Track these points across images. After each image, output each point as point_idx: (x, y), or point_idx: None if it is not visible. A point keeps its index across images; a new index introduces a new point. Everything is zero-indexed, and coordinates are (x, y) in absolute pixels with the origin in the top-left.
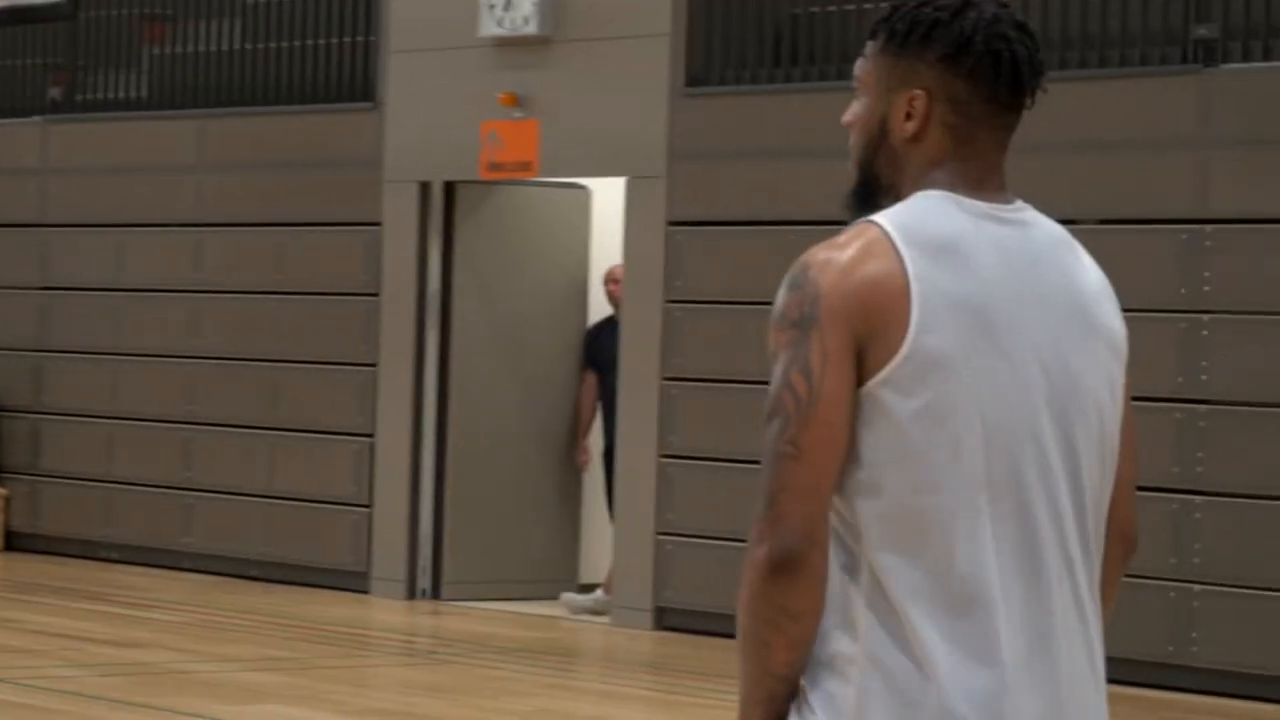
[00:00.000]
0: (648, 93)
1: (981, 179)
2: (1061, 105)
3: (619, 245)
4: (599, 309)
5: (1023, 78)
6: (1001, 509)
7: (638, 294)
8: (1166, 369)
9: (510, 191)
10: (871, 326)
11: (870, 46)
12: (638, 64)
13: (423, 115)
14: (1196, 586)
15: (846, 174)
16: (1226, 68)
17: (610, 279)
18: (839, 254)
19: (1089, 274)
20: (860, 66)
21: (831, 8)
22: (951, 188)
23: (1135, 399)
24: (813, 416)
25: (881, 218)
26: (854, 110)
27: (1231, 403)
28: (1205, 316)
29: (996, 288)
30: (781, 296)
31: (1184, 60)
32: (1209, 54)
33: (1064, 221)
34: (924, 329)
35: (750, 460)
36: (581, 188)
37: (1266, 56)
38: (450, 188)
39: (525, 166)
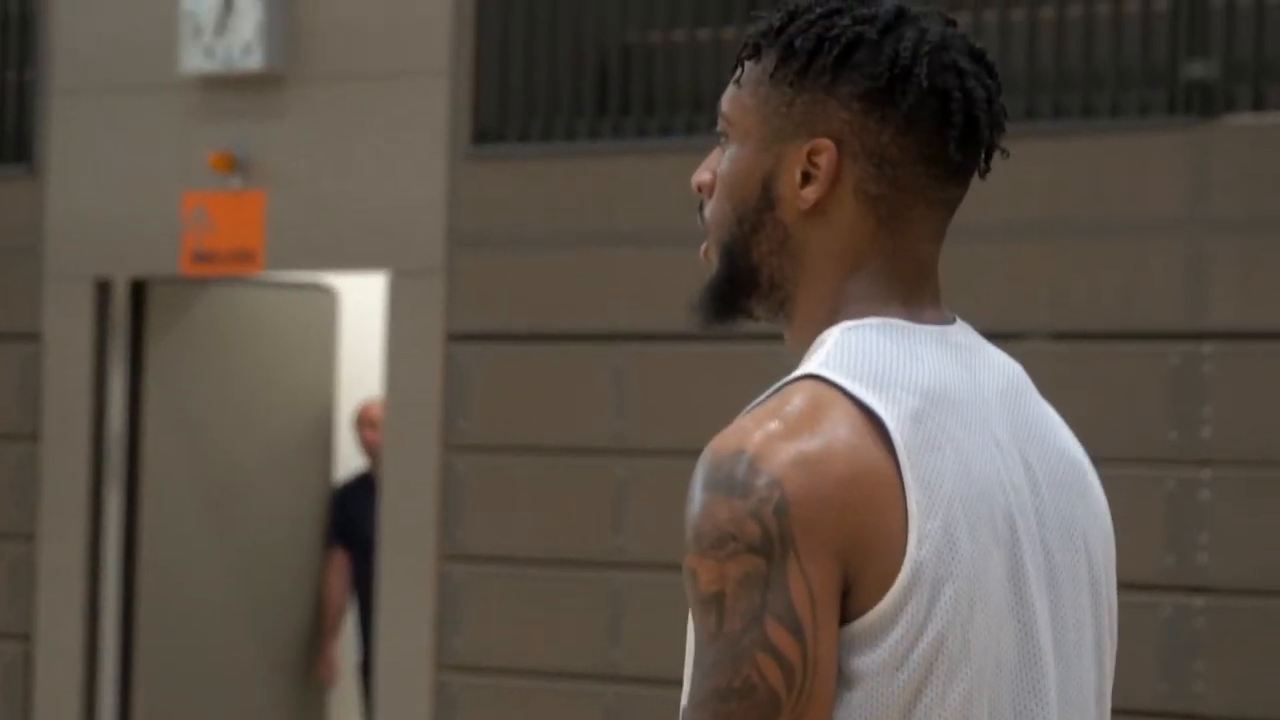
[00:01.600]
0: (418, 153)
1: (916, 286)
2: (996, 170)
3: (378, 369)
4: (350, 461)
5: (980, 130)
6: None
7: (404, 439)
8: (1151, 546)
9: (225, 293)
10: (860, 546)
11: (750, 70)
12: (405, 112)
13: (100, 183)
14: None
15: (702, 258)
16: (1230, 119)
17: (364, 421)
18: (796, 433)
19: (1066, 436)
20: (730, 100)
21: (678, 35)
22: (883, 304)
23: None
24: (813, 697)
25: (833, 372)
26: (715, 164)
27: (1237, 591)
28: (1204, 471)
29: (1004, 470)
30: (709, 503)
31: (1171, 110)
32: (1206, 100)
33: (1000, 336)
34: (928, 544)
35: (569, 674)
36: (325, 288)
37: None
38: (140, 287)
39: (246, 257)
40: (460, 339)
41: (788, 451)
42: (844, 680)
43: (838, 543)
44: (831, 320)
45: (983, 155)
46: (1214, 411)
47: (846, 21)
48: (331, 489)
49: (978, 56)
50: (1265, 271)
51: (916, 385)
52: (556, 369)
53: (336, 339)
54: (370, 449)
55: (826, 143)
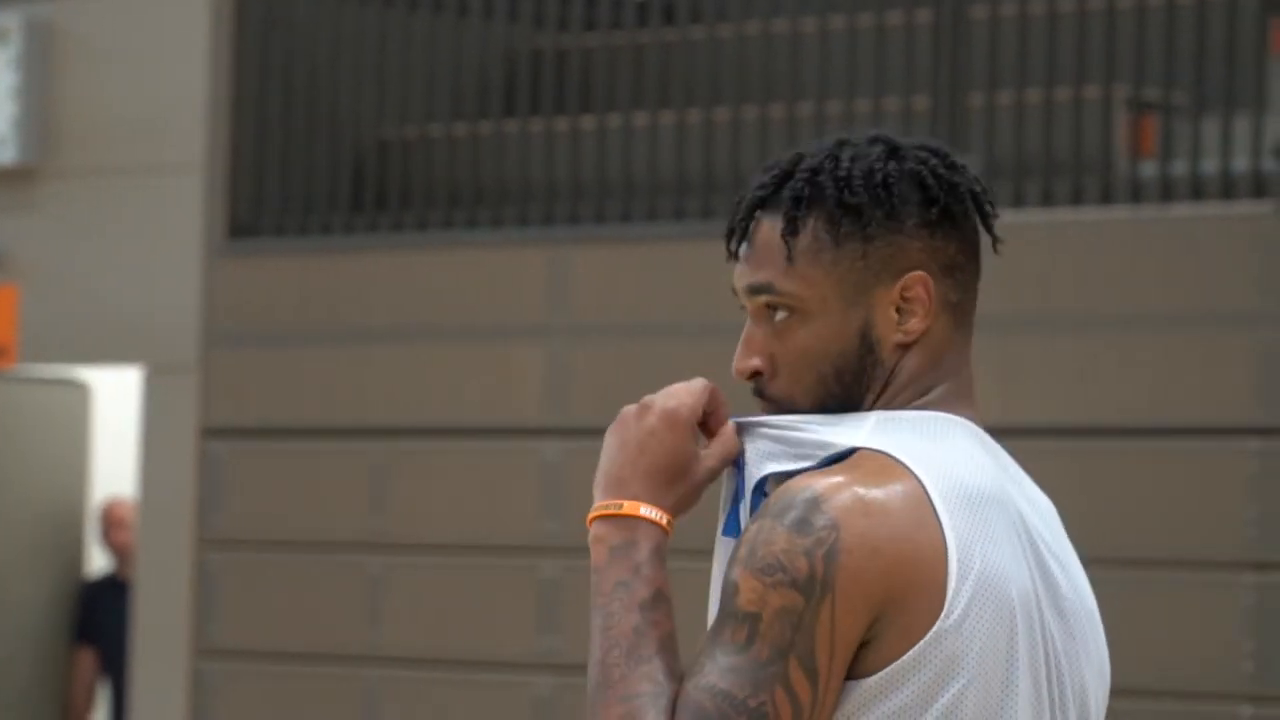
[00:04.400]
0: (174, 247)
1: (968, 381)
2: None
3: (132, 465)
4: (101, 561)
5: (990, 219)
6: None
7: (158, 535)
8: None
9: None
10: (898, 599)
11: (795, 246)
12: (160, 206)
13: None
14: None
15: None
16: None
17: (110, 521)
18: (869, 493)
19: (1082, 575)
20: (786, 277)
21: (434, 130)
22: (952, 398)
23: None
24: None
25: (903, 455)
26: (761, 345)
27: None
28: None
29: (1042, 583)
30: (770, 529)
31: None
32: None
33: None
34: (954, 621)
35: None
36: (78, 383)
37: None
38: None
39: None
40: (215, 434)
41: (851, 498)
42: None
43: (878, 594)
44: (899, 402)
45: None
46: None
47: (867, 163)
48: (80, 587)
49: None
50: (1023, 369)
51: (973, 483)
52: (312, 465)
53: (89, 434)
54: (117, 549)
55: (919, 275)
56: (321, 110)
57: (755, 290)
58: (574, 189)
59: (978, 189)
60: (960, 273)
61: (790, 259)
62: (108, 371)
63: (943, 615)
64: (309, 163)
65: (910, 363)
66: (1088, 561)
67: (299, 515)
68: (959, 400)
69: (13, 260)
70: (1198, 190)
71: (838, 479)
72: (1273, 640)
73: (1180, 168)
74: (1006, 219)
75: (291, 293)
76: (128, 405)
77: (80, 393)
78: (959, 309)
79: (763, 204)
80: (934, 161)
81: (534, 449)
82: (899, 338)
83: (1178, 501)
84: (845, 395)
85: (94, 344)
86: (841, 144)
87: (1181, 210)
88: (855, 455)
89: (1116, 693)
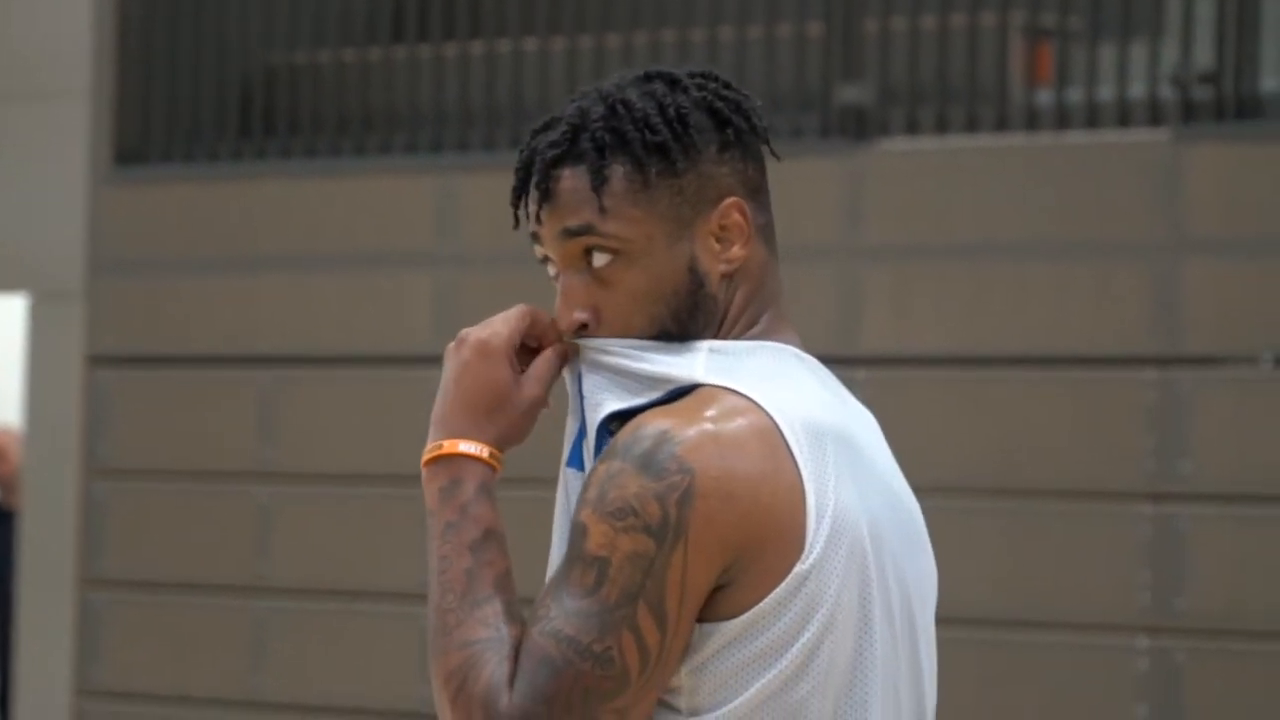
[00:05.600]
0: (59, 174)
1: (787, 307)
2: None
3: (16, 395)
4: None
5: (766, 132)
6: None
7: (44, 466)
8: None
9: None
10: (755, 544)
11: (607, 194)
12: (45, 133)
13: None
14: None
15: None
16: (883, 143)
17: None
18: (723, 434)
19: (901, 478)
20: (610, 221)
21: (323, 56)
22: (776, 323)
23: None
24: (654, 684)
25: (751, 392)
26: (583, 298)
27: None
28: None
29: (882, 509)
30: (621, 471)
31: (825, 133)
32: (860, 124)
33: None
34: (813, 562)
35: (212, 701)
36: None
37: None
38: None
39: None
40: (102, 362)
41: (704, 439)
42: (715, 672)
43: (734, 539)
44: (733, 333)
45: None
46: None
47: (655, 101)
48: None
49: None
50: (917, 297)
51: (821, 419)
52: (200, 394)
53: None
54: (1, 479)
55: (733, 201)
56: (209, 35)
57: (574, 233)
58: (463, 116)
59: (751, 105)
60: (762, 193)
61: (603, 210)
62: None
63: (802, 557)
64: (196, 89)
65: (738, 293)
66: (984, 492)
67: (187, 445)
68: (783, 326)
69: None
70: (1094, 118)
71: (690, 418)
72: (1169, 572)
73: (1076, 95)
74: (900, 146)
75: (179, 220)
76: (12, 333)
77: None
78: (767, 230)
79: (559, 161)
80: (713, 86)
81: (424, 378)
82: (723, 267)
83: (1074, 432)
84: (682, 335)
85: None
86: (620, 86)
87: (1078, 138)
88: (701, 391)
89: (1012, 624)
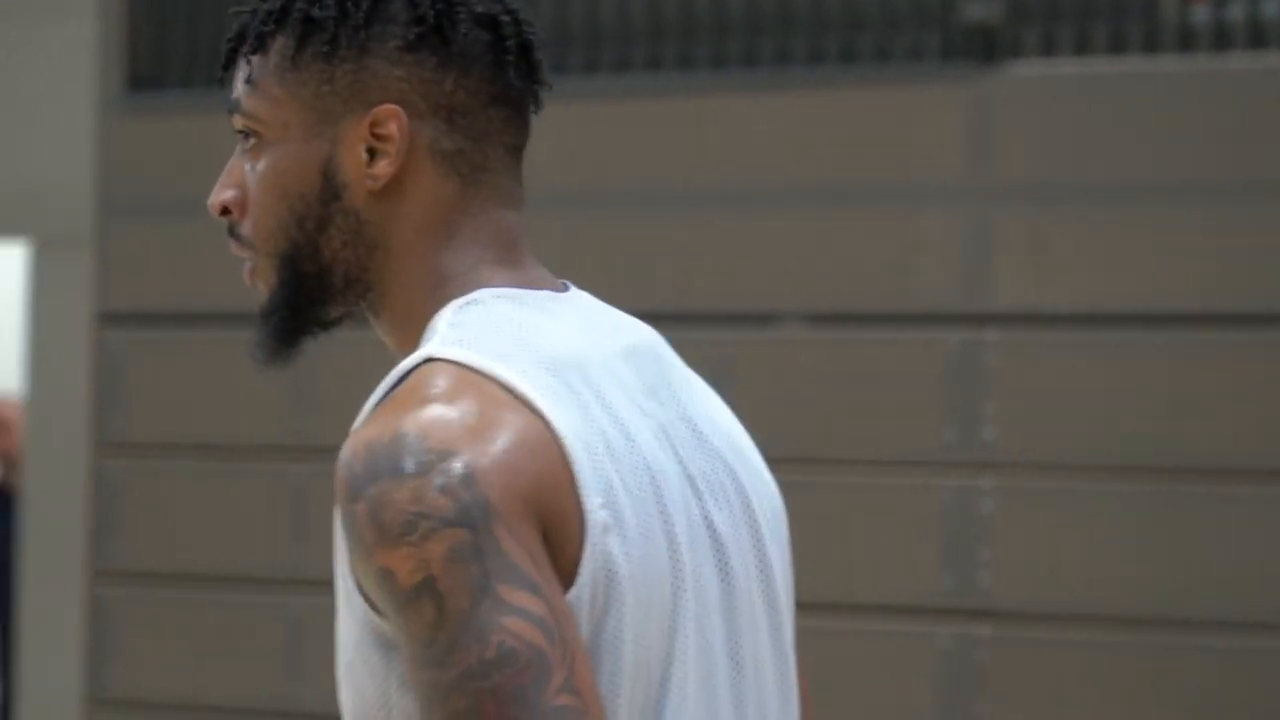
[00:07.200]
0: (63, 103)
1: (513, 248)
2: (738, 127)
3: (16, 359)
4: None
5: (535, 56)
6: None
7: (46, 440)
8: (927, 565)
9: None
10: (552, 524)
11: (263, 62)
12: (47, 57)
13: None
14: None
15: (249, 281)
16: (1015, 66)
17: None
18: (451, 408)
19: (713, 403)
20: (250, 98)
21: None
22: (487, 272)
23: None
24: (574, 645)
25: (459, 352)
26: (238, 178)
27: (1025, 616)
28: (986, 478)
29: (648, 439)
30: (379, 494)
31: (947, 55)
32: (987, 44)
33: (746, 318)
34: (599, 516)
35: (242, 711)
36: None
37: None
38: None
39: None
40: (114, 320)
41: (452, 425)
42: None
43: (534, 510)
44: (434, 301)
45: (542, 86)
46: (997, 408)
47: None
48: None
49: None
50: (1056, 246)
51: (545, 356)
52: (227, 357)
53: None
54: (4, 458)
55: (390, 108)
56: None
57: (229, 109)
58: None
59: (505, 17)
60: (462, 117)
61: (250, 80)
62: None
63: (589, 519)
64: (219, 3)
65: (394, 215)
66: (1133, 471)
67: (212, 416)
68: (501, 271)
69: None
70: (1258, 37)
71: (419, 409)
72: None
73: (1238, 11)
74: (1034, 70)
75: (201, 155)
76: (11, 287)
77: None
78: (462, 160)
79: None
80: None
81: None
82: (369, 184)
83: (1238, 402)
84: (313, 249)
85: None
86: None
87: (1239, 60)
88: (422, 371)
89: (1158, 624)
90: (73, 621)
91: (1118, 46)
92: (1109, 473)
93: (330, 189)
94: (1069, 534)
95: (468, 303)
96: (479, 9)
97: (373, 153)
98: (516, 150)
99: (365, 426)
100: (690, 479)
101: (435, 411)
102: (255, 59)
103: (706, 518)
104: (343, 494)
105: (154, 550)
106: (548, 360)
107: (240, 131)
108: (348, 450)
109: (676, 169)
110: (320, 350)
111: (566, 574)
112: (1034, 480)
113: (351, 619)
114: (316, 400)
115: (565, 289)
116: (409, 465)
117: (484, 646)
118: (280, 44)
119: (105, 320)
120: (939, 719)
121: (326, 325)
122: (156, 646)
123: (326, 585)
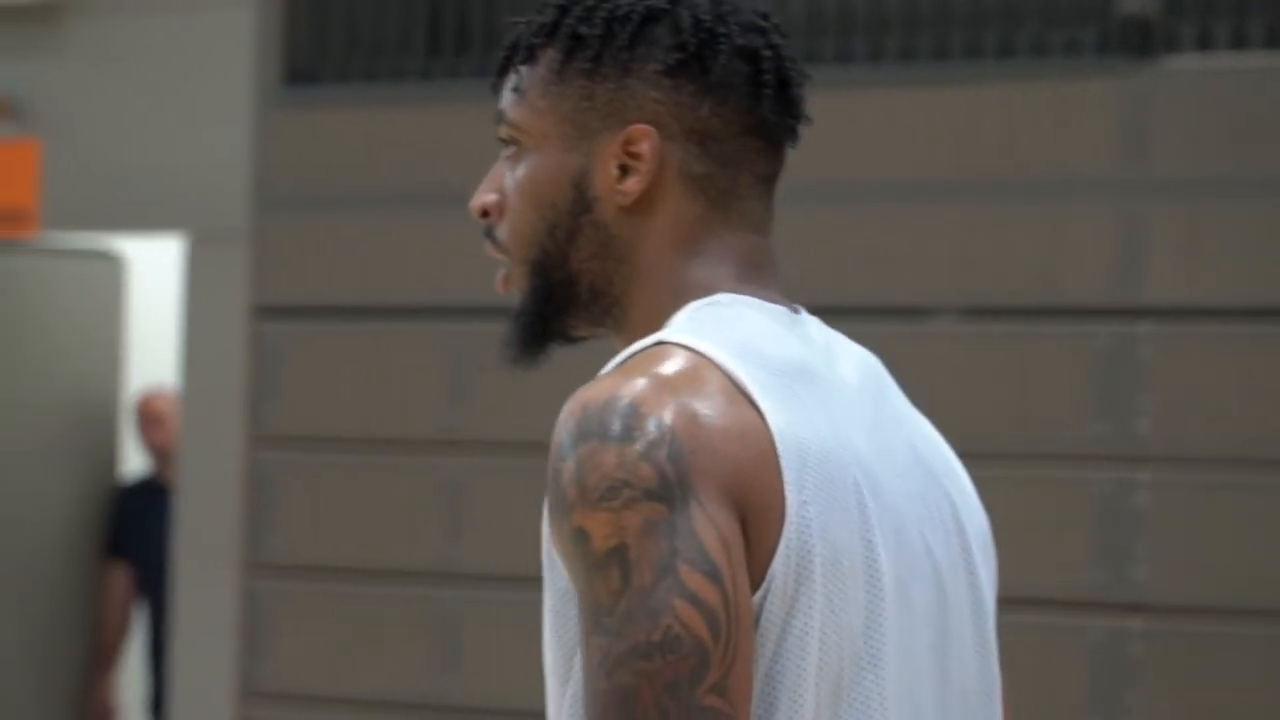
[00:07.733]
0: (221, 96)
1: (757, 268)
2: (897, 122)
3: (173, 351)
4: (137, 461)
5: (794, 91)
6: None
7: (203, 431)
8: (1078, 560)
9: None
10: (751, 507)
11: (531, 73)
12: (205, 49)
13: None
14: None
15: (500, 287)
16: (1171, 61)
17: (146, 417)
18: (673, 385)
19: (927, 428)
20: (515, 107)
21: None
22: (731, 284)
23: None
24: (739, 647)
25: (691, 339)
26: (499, 182)
27: (1179, 610)
28: (1141, 471)
29: (866, 452)
30: (590, 453)
31: (1103, 49)
32: (1144, 39)
33: (899, 312)
34: (803, 512)
35: (396, 705)
36: (111, 255)
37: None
38: None
39: (18, 218)
40: (269, 314)
41: (669, 400)
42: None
43: (734, 497)
44: (673, 308)
45: (800, 120)
46: (1152, 401)
47: (626, 1)
48: (113, 492)
49: (765, 16)
50: (1210, 239)
51: (773, 358)
52: (383, 350)
53: (123, 314)
54: (155, 449)
55: (644, 128)
56: None
57: (496, 118)
58: None
59: (767, 52)
60: (715, 144)
61: (518, 89)
62: (144, 241)
63: (791, 517)
64: (380, 1)
65: (640, 232)
66: None
67: (367, 409)
68: (746, 287)
69: (33, 112)
70: None
71: (644, 379)
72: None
73: None
74: (1191, 64)
75: (358, 149)
76: (167, 281)
77: (113, 266)
78: (710, 184)
79: (521, 40)
80: (727, 8)
81: None
82: (618, 198)
83: None
84: (562, 259)
85: (128, 209)
86: None
87: None
88: (657, 349)
89: None
90: (226, 614)
91: (1274, 40)
92: (1263, 465)
93: (582, 201)
94: (1224, 527)
95: (707, 303)
96: (740, 41)
97: (624, 170)
98: (768, 180)
99: (588, 388)
100: (907, 497)
101: (654, 384)
102: (524, 69)
103: (922, 535)
104: (554, 452)
105: (308, 543)
106: (775, 362)
107: (503, 140)
108: (565, 409)
109: (830, 162)
110: (476, 342)
111: (761, 563)
112: (1189, 474)
113: (554, 575)
114: (472, 394)
115: (799, 311)
116: (616, 428)
117: (653, 627)
118: (548, 57)
119: (261, 313)
120: (1091, 711)
121: (571, 338)
122: (309, 639)
123: (481, 579)
